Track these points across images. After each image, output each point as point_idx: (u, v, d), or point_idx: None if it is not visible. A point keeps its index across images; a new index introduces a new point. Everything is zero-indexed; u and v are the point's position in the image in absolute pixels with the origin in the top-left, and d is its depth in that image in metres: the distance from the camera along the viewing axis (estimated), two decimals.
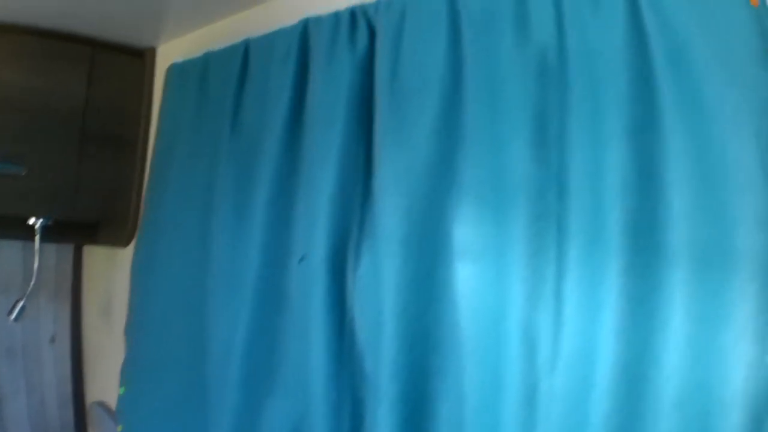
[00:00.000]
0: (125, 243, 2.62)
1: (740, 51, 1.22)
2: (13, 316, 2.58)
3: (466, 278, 1.55)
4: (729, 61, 1.22)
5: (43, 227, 2.51)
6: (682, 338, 1.24)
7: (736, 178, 1.20)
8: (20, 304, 2.58)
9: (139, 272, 2.42)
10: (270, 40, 2.04)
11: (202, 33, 2.48)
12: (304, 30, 1.94)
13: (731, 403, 1.16)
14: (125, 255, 2.59)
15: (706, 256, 1.23)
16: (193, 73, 2.30)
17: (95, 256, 2.94)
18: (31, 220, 2.50)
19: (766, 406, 1.13)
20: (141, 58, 2.67)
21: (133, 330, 2.43)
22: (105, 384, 2.70)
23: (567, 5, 1.44)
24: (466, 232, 1.56)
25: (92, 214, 2.65)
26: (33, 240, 2.51)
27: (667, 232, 1.28)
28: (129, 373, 2.43)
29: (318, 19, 1.91)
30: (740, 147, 1.19)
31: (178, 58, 2.45)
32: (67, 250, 2.99)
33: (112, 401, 2.55)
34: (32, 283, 2.60)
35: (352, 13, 1.83)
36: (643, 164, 1.31)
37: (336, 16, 1.86)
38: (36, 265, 2.58)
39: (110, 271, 2.76)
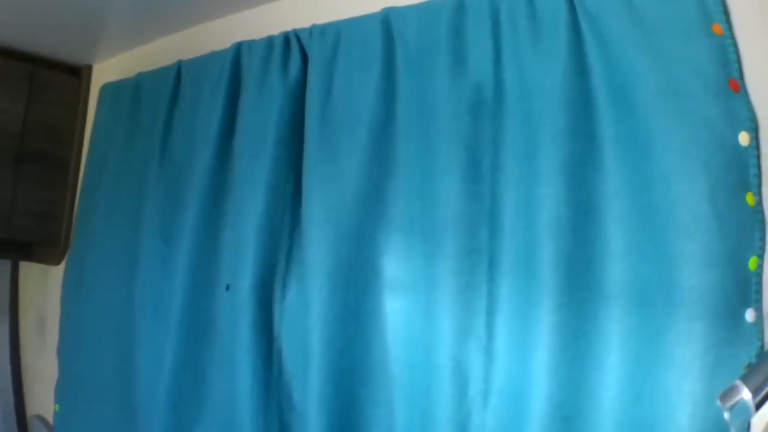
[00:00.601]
0: (57, 261, 2.55)
1: (694, 83, 1.20)
2: None
3: (396, 311, 1.53)
4: (681, 93, 1.20)
5: None
6: (621, 375, 1.22)
7: (681, 215, 1.18)
8: None
9: (69, 294, 2.35)
10: (202, 63, 2.00)
11: (139, 52, 2.42)
12: (237, 54, 1.89)
13: None
14: (58, 273, 2.52)
15: (647, 294, 1.21)
16: (126, 94, 2.24)
17: (30, 272, 2.86)
18: None
19: None
20: (78, 76, 2.60)
21: (64, 351, 2.36)
22: (43, 398, 2.62)
23: (506, 40, 1.43)
24: (396, 265, 1.54)
25: (27, 233, 2.55)
26: None
27: (605, 269, 1.27)
28: (63, 392, 2.35)
29: (251, 44, 1.87)
30: (687, 183, 1.17)
31: (113, 77, 2.39)
32: (5, 265, 2.91)
33: (51, 415, 2.49)
34: None
35: (286, 38, 1.80)
36: (580, 200, 1.29)
37: (269, 40, 1.82)
38: None
39: (44, 287, 2.68)
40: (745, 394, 0.93)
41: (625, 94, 1.27)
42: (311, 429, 1.56)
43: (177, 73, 2.06)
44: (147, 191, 2.04)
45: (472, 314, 1.39)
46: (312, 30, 1.75)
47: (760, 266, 1.17)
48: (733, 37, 1.22)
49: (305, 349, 1.58)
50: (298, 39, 1.78)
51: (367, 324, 1.56)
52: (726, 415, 0.95)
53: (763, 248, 1.17)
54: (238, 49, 1.89)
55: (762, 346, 1.13)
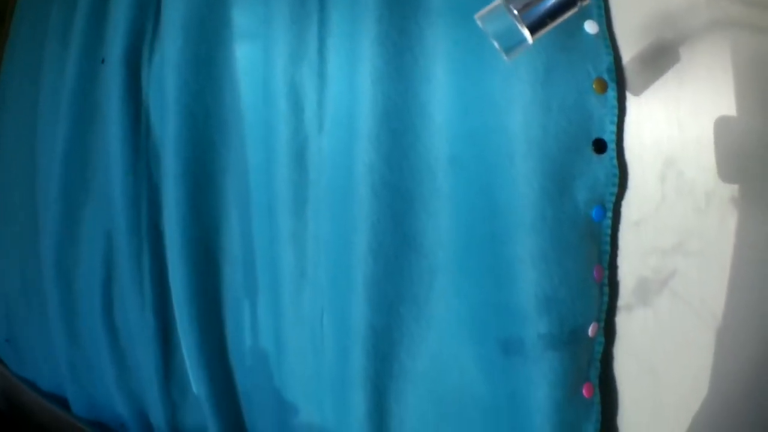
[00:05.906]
0: None
1: None
2: None
3: (243, 57, 1.49)
4: None
5: None
6: (449, 90, 1.16)
7: None
8: None
9: None
10: None
11: None
12: None
13: (516, 151, 1.06)
14: None
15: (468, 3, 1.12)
16: None
17: None
18: None
19: (555, 144, 1.03)
20: None
21: None
22: None
23: None
24: (243, 14, 1.49)
25: None
26: None
27: None
28: None
29: None
30: None
31: None
32: None
33: None
34: None
35: None
36: None
37: None
38: None
39: None
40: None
41: None
42: (168, 174, 1.52)
43: None
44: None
45: (305, 41, 1.35)
46: None
47: None
48: None
49: (163, 101, 1.55)
50: None
51: (219, 72, 1.52)
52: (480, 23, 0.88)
53: None
54: None
55: (612, 62, 1.04)
